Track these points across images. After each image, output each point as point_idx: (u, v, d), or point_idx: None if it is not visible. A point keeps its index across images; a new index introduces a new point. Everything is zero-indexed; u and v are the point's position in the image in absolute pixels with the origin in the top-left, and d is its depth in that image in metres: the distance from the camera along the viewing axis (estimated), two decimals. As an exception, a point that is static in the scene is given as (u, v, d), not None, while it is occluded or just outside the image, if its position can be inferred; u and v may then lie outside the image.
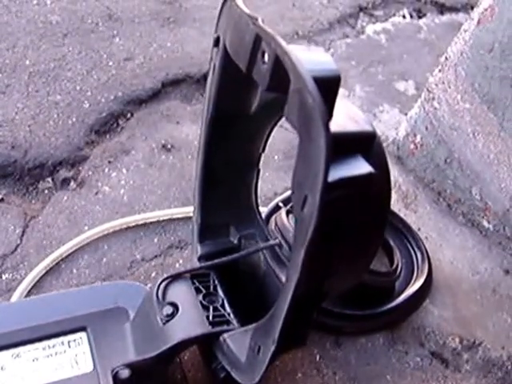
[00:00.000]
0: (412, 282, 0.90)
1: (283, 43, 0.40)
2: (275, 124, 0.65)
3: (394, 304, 0.85)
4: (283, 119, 0.66)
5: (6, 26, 1.26)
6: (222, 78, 0.58)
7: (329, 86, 0.38)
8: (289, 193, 0.92)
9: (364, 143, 0.42)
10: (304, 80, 0.37)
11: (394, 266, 0.89)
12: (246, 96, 0.60)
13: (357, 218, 0.43)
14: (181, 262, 0.87)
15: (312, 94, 0.36)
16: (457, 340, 0.85)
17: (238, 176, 0.69)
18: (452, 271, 0.95)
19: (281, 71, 0.41)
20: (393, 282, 0.88)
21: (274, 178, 1.03)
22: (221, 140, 0.64)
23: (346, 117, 0.41)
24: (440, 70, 1.02)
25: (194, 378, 0.74)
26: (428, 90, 1.04)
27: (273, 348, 0.51)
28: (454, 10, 1.66)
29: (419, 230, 1.00)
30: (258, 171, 0.70)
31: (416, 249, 0.95)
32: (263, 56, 0.45)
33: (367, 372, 0.79)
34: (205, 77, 1.22)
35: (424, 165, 1.08)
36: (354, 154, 0.40)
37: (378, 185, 0.45)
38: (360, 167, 0.40)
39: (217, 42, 0.55)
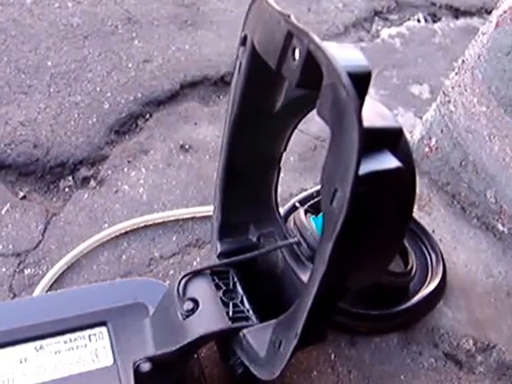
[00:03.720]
0: (426, 283, 0.91)
1: (317, 39, 0.41)
2: (298, 123, 0.66)
3: (408, 305, 0.86)
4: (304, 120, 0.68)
5: (28, 28, 1.28)
6: (247, 77, 0.59)
7: (361, 81, 0.39)
8: (305, 193, 0.93)
9: (392, 139, 0.43)
10: (339, 74, 0.38)
11: (409, 267, 0.90)
12: (270, 95, 0.61)
13: (383, 212, 0.44)
14: (198, 260, 0.89)
15: (346, 88, 0.38)
16: (471, 342, 0.86)
17: (259, 174, 0.70)
18: (466, 274, 0.95)
19: (312, 67, 0.43)
20: (407, 283, 0.89)
21: (290, 179, 1.04)
22: (244, 138, 0.65)
23: (374, 113, 0.42)
24: (456, 73, 1.03)
25: (210, 374, 0.75)
26: (444, 92, 1.05)
27: (295, 342, 0.52)
28: (468, 14, 1.67)
29: (433, 232, 1.01)
30: (279, 170, 0.71)
31: (430, 251, 0.95)
32: (294, 53, 0.46)
33: (381, 371, 0.80)
34: (222, 79, 1.24)
35: (439, 167, 1.09)
36: (383, 149, 0.42)
37: (404, 180, 0.47)
38: (389, 162, 0.41)
39: (244, 41, 0.56)
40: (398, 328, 0.86)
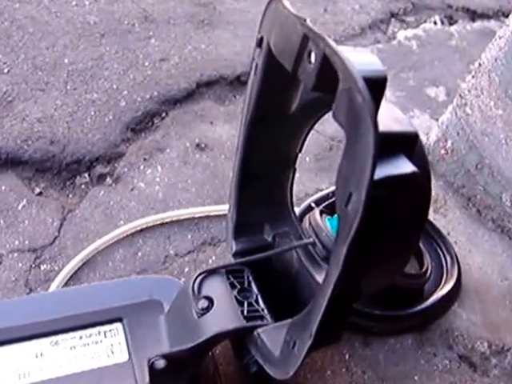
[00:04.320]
0: (441, 285, 0.90)
1: (333, 43, 0.42)
2: (313, 124, 0.66)
3: (423, 306, 0.86)
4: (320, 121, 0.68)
5: (46, 25, 1.29)
6: (263, 78, 0.59)
7: (376, 86, 0.39)
8: (320, 194, 0.93)
9: (407, 143, 0.43)
10: (354, 79, 0.38)
11: (424, 268, 0.90)
12: (286, 96, 0.61)
13: (398, 216, 0.44)
14: (213, 258, 0.89)
15: (362, 93, 0.38)
16: (485, 344, 0.85)
17: (274, 175, 0.70)
18: (481, 276, 0.95)
19: (328, 71, 0.43)
20: (422, 285, 0.89)
21: (305, 179, 1.04)
22: (259, 139, 0.65)
23: (390, 117, 0.43)
24: (473, 76, 1.02)
25: (225, 371, 0.75)
26: (460, 95, 1.05)
27: (309, 342, 0.52)
28: (485, 17, 1.66)
29: (448, 234, 1.00)
30: (294, 171, 0.72)
31: (446, 253, 0.95)
32: (310, 56, 0.46)
33: (396, 372, 0.80)
34: (238, 78, 1.25)
35: (454, 170, 1.09)
36: (398, 154, 0.42)
37: (419, 185, 0.46)
38: (404, 167, 0.41)
39: (260, 43, 0.57)
40: (412, 329, 0.86)
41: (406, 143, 0.43)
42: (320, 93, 0.47)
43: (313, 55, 0.46)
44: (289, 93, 0.61)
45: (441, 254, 0.95)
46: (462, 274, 0.93)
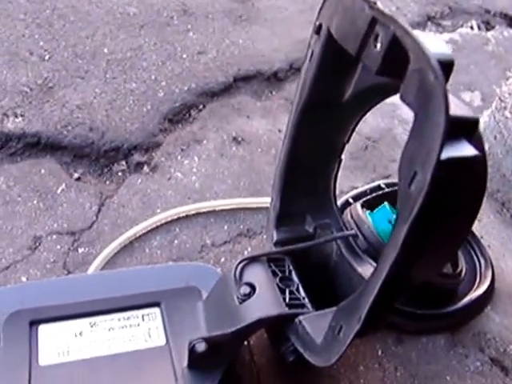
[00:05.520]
0: (475, 287, 0.90)
1: (406, 25, 0.42)
2: (363, 115, 0.66)
3: (456, 307, 0.85)
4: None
5: (86, 15, 1.31)
6: (319, 66, 0.59)
7: (445, 69, 0.40)
8: (358, 190, 0.93)
9: (469, 128, 0.43)
10: (428, 58, 0.39)
11: (459, 269, 0.89)
12: (340, 84, 0.62)
13: (457, 201, 0.45)
14: (249, 250, 0.89)
15: (435, 72, 0.38)
16: (518, 349, 0.85)
17: (320, 165, 0.71)
18: (514, 281, 0.94)
19: (395, 54, 0.43)
20: (456, 285, 0.88)
21: (341, 177, 1.03)
22: (309, 127, 0.66)
23: (452, 103, 0.43)
24: (514, 80, 1.02)
25: (259, 361, 0.75)
26: (500, 99, 1.04)
27: (358, 327, 0.52)
28: (523, 23, 1.65)
29: (482, 238, 1.00)
30: (340, 162, 0.72)
31: (479, 255, 0.95)
32: (376, 39, 0.47)
33: (427, 371, 0.80)
34: (275, 75, 1.25)
35: (490, 174, 1.07)
36: (460, 137, 0.42)
37: (479, 169, 0.47)
38: (467, 150, 0.42)
39: (318, 30, 0.57)
40: (444, 329, 0.85)
41: (467, 128, 0.43)
42: (384, 76, 0.47)
43: (379, 38, 0.46)
44: (344, 81, 0.61)
45: (475, 256, 0.95)
46: (496, 278, 0.93)
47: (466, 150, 0.41)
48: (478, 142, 0.45)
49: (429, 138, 0.40)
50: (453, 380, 0.80)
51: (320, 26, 0.56)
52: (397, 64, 0.43)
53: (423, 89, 0.40)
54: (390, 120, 1.20)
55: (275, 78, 1.25)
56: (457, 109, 0.42)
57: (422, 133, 0.41)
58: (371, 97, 0.63)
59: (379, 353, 0.80)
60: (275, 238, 0.74)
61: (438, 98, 0.39)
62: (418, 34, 0.42)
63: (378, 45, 0.46)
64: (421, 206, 0.41)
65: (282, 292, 0.67)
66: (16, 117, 1.05)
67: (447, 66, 0.40)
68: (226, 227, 0.92)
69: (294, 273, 0.70)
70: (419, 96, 0.41)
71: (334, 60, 0.57)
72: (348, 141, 0.70)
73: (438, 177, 0.40)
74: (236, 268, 0.68)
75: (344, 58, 0.53)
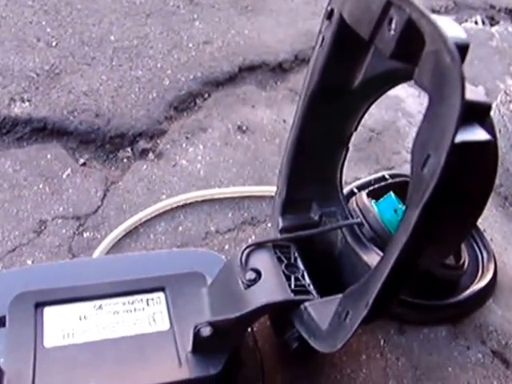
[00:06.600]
0: (477, 279, 0.90)
1: (421, 7, 0.42)
2: (372, 103, 0.66)
3: (458, 298, 0.86)
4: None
5: (93, 3, 1.31)
6: (330, 51, 0.59)
7: (461, 51, 0.40)
8: (363, 180, 0.93)
9: (482, 113, 0.43)
10: (444, 40, 0.39)
11: (461, 261, 0.90)
12: (351, 70, 0.62)
13: (468, 186, 0.45)
14: (253, 237, 0.90)
15: (451, 53, 0.38)
16: (519, 342, 0.85)
17: (327, 152, 0.71)
18: (516, 275, 0.95)
19: (409, 37, 0.43)
20: (459, 277, 0.89)
21: (345, 168, 1.04)
22: (317, 114, 0.66)
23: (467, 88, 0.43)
24: (520, 74, 1.02)
25: (262, 348, 0.75)
26: (506, 92, 1.05)
27: (365, 312, 0.52)
28: (527, 19, 1.65)
29: (484, 231, 1.00)
30: (347, 150, 0.72)
31: (482, 248, 0.95)
32: (390, 23, 0.47)
33: (429, 362, 0.80)
34: (280, 66, 1.25)
35: (494, 168, 1.08)
36: (473, 122, 0.42)
37: (491, 155, 0.47)
38: (480, 134, 0.42)
39: (330, 15, 0.57)
40: (446, 321, 0.85)
41: (480, 112, 0.43)
42: (397, 60, 0.47)
43: (394, 21, 0.46)
44: (354, 67, 0.61)
45: (477, 249, 0.95)
46: (498, 272, 0.93)
47: (479, 134, 0.42)
48: (490, 127, 0.45)
49: (443, 121, 0.40)
50: (454, 371, 0.80)
51: (332, 11, 0.57)
52: (411, 47, 0.43)
53: (439, 71, 0.40)
54: (393, 113, 1.20)
55: (280, 69, 1.25)
56: (471, 93, 0.42)
57: (437, 116, 0.41)
58: (380, 84, 0.63)
59: (381, 342, 0.81)
60: (281, 224, 0.74)
61: (454, 79, 0.39)
62: (435, 16, 0.42)
63: (393, 28, 0.46)
64: (433, 189, 0.41)
65: (288, 278, 0.67)
66: (23, 102, 1.05)
67: (463, 49, 0.40)
68: (230, 215, 0.92)
69: (299, 260, 0.70)
70: (434, 78, 0.41)
71: (346, 46, 0.57)
72: (356, 129, 0.70)
73: (452, 160, 0.40)
74: (242, 254, 0.68)
75: (355, 44, 0.53)
